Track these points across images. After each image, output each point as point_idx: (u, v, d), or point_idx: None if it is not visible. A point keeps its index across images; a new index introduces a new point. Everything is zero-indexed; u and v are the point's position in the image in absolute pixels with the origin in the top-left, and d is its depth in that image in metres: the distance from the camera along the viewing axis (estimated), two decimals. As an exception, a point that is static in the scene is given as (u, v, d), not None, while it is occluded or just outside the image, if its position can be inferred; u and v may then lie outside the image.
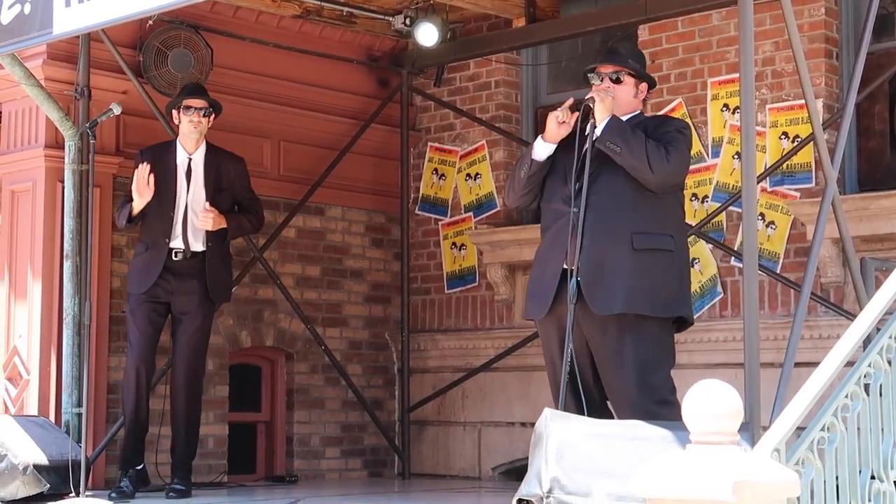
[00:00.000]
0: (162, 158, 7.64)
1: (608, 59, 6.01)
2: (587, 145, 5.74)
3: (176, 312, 7.62)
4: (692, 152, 8.25)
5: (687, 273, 5.87)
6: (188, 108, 7.65)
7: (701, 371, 7.53)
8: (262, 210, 8.04)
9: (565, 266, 5.72)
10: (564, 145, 5.94)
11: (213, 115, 7.76)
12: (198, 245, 7.60)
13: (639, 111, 6.00)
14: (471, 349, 9.42)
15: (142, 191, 7.44)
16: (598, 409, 5.75)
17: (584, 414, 5.54)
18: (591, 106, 5.76)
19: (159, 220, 7.58)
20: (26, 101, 8.13)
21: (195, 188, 7.66)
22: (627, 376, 5.63)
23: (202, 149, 7.73)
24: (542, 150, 5.93)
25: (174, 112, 7.74)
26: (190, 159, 7.68)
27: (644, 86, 6.02)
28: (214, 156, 7.77)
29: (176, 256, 7.57)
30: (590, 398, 5.71)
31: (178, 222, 7.58)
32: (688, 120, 8.36)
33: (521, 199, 6.09)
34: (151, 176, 7.43)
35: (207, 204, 7.61)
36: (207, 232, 7.61)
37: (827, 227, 5.74)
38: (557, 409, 5.52)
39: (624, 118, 5.86)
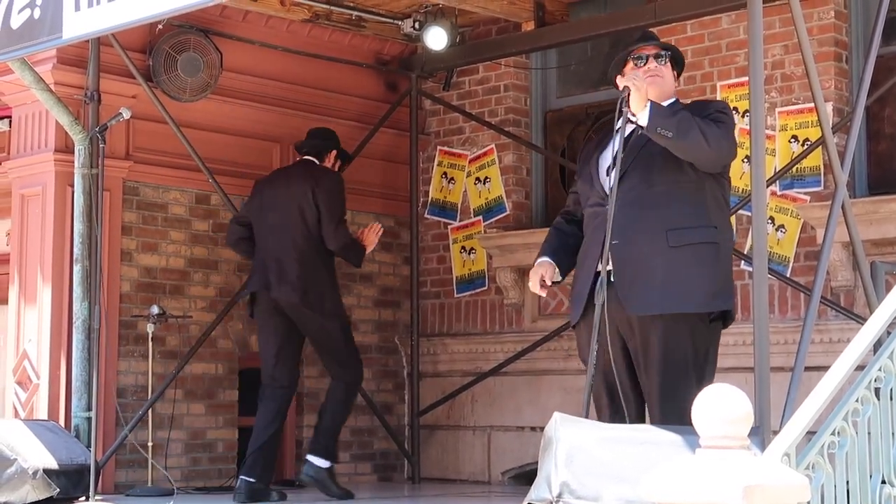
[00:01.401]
0: None
1: (655, 42, 5.77)
2: (619, 139, 5.50)
3: None
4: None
5: (730, 264, 5.64)
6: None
7: (711, 375, 7.52)
8: None
9: (599, 267, 5.53)
10: (592, 147, 5.82)
11: None
12: None
13: (675, 98, 5.76)
14: (480, 353, 9.42)
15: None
16: (638, 414, 5.63)
17: (625, 420, 5.46)
18: (627, 96, 5.50)
19: None
20: (36, 105, 8.15)
21: None
22: (664, 377, 5.46)
23: None
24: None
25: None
26: None
27: (675, 72, 5.81)
28: None
29: None
30: (627, 403, 5.58)
31: None
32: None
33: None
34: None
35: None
36: None
37: (837, 230, 5.73)
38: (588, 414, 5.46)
39: (666, 104, 5.62)
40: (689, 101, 5.83)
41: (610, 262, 5.48)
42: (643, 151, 5.57)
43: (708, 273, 5.49)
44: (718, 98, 8.38)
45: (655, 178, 5.54)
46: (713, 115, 5.56)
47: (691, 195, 5.53)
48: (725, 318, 5.66)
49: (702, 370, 5.53)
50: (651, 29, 8.39)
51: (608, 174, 5.60)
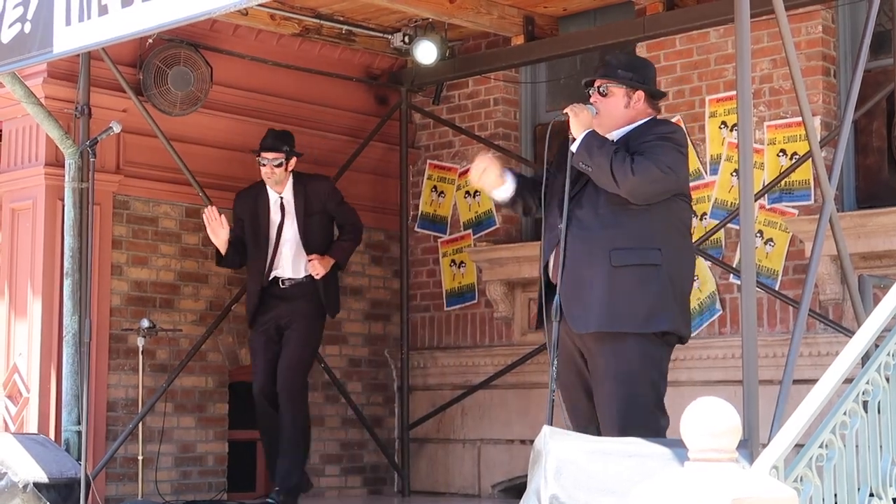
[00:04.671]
0: (257, 199, 8.32)
1: (598, 73, 5.90)
2: (568, 163, 5.67)
3: (284, 332, 8.24)
4: (694, 165, 8.24)
5: (679, 286, 5.69)
6: (262, 159, 8.25)
7: (700, 388, 7.53)
8: (357, 219, 8.54)
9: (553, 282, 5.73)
10: (563, 161, 5.89)
11: (292, 160, 8.29)
12: (300, 272, 8.25)
13: (645, 120, 5.81)
14: (470, 366, 9.43)
15: (216, 231, 8.06)
16: (585, 426, 5.72)
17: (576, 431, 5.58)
18: (566, 121, 5.69)
19: (259, 258, 8.25)
20: (27, 119, 8.15)
21: (290, 225, 8.27)
22: (608, 393, 5.59)
23: (289, 185, 8.31)
24: (497, 195, 6.00)
25: (256, 156, 8.30)
26: (281, 197, 8.29)
27: (639, 94, 5.83)
28: (301, 185, 8.32)
29: (283, 284, 8.24)
30: (577, 414, 5.73)
31: (279, 256, 8.25)
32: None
33: (510, 210, 6.13)
34: (222, 216, 8.06)
35: (315, 262, 8.16)
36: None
37: (825, 244, 5.74)
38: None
39: (627, 129, 5.76)
40: (648, 122, 5.83)
41: (559, 279, 5.64)
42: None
43: (645, 295, 5.57)
44: (707, 112, 8.40)
45: (602, 201, 5.65)
46: (648, 143, 5.63)
47: (637, 217, 5.62)
48: (681, 336, 5.74)
49: (657, 386, 5.63)
50: (639, 42, 8.48)
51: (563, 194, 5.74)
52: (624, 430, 5.42)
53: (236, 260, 8.28)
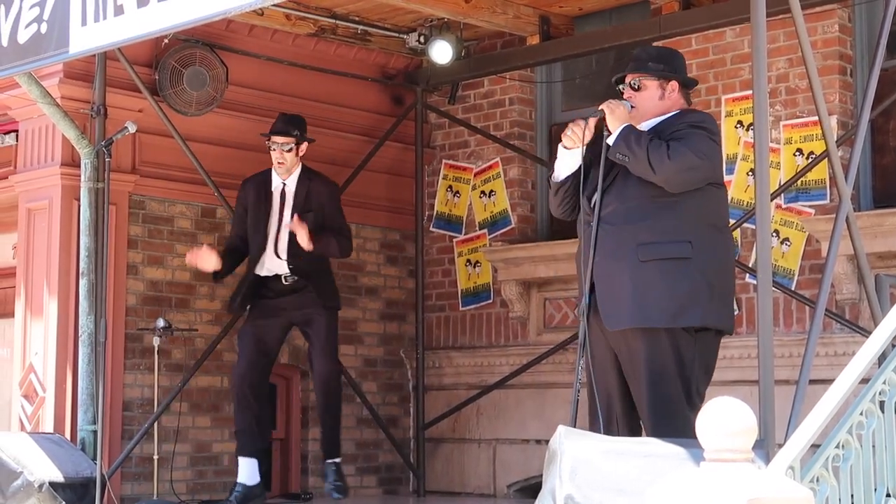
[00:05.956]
0: (262, 185, 8.04)
1: (629, 68, 5.88)
2: (602, 157, 5.66)
3: (300, 326, 7.99)
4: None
5: (715, 278, 5.59)
6: (273, 143, 7.96)
7: (716, 388, 7.45)
8: (350, 236, 8.22)
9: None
10: (596, 156, 5.84)
11: (303, 145, 8.00)
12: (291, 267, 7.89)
13: (675, 112, 5.79)
14: (485, 366, 9.42)
15: (204, 266, 7.83)
16: (630, 430, 5.69)
17: (599, 430, 5.55)
18: (603, 118, 5.67)
19: (257, 246, 7.91)
20: (43, 119, 8.17)
21: (288, 213, 7.93)
22: (641, 389, 5.56)
23: (296, 174, 8.01)
24: (559, 169, 5.87)
25: (267, 140, 8.01)
26: (284, 184, 8.00)
27: (673, 84, 5.80)
28: (307, 180, 8.01)
29: (286, 281, 7.89)
30: (610, 412, 5.69)
31: (272, 246, 7.90)
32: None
33: (558, 210, 5.98)
34: (202, 249, 7.86)
35: (296, 218, 7.77)
36: (300, 251, 7.77)
37: (842, 243, 5.73)
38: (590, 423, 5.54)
39: (657, 120, 5.73)
40: (681, 112, 5.82)
41: (593, 278, 5.62)
42: (622, 168, 5.65)
43: (674, 289, 5.52)
44: (723, 112, 8.39)
45: (630, 194, 5.63)
46: (681, 131, 5.60)
47: (665, 210, 5.58)
48: (720, 329, 5.69)
49: (688, 382, 5.56)
50: (655, 42, 8.45)
51: (594, 190, 5.72)
52: (656, 427, 5.41)
53: (232, 268, 8.00)
